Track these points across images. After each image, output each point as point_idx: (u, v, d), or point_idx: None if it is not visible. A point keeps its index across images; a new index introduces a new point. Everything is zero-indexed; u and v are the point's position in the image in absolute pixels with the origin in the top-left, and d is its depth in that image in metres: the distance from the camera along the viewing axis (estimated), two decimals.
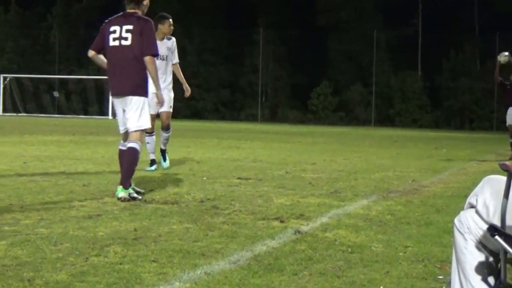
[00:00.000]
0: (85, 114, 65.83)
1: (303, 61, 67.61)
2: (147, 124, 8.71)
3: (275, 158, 16.28)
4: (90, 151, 16.68)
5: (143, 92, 8.58)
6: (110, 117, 59.64)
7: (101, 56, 8.94)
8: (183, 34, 60.58)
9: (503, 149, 17.75)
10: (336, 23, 69.39)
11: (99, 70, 69.33)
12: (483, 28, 64.69)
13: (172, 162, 12.96)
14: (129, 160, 8.40)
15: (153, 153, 12.08)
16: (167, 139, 12.43)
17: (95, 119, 56.47)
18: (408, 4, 66.65)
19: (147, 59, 8.44)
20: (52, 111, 67.38)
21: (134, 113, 8.51)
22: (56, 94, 70.14)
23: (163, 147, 12.40)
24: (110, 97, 8.41)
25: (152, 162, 12.04)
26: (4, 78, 64.27)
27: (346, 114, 67.69)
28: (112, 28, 8.45)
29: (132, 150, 8.42)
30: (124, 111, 8.59)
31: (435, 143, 28.70)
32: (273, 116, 69.72)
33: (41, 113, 64.34)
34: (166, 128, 12.35)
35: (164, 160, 12.31)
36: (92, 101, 68.30)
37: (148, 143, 11.70)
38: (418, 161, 16.88)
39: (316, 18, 69.76)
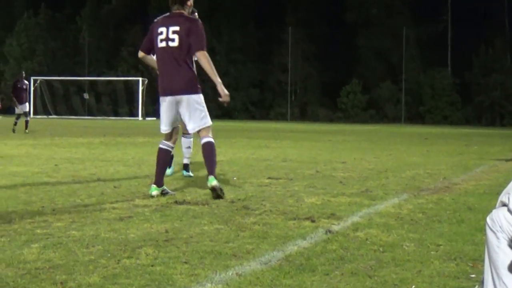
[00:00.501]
0: (115, 115, 66.24)
1: (332, 58, 67.68)
2: (210, 121, 8.87)
3: (305, 157, 16.28)
4: (120, 152, 16.76)
5: (198, 90, 8.67)
6: (140, 118, 59.92)
7: (151, 57, 9.03)
8: (212, 33, 60.85)
9: None
10: (366, 20, 69.39)
11: (128, 71, 70.03)
12: None
13: (202, 163, 12.98)
14: (211, 154, 8.75)
15: (188, 158, 11.36)
16: (188, 146, 11.40)
17: (125, 120, 56.72)
18: (437, 0, 66.24)
19: (199, 54, 8.52)
20: (82, 113, 67.85)
21: (194, 112, 8.64)
22: (86, 96, 70.62)
23: (186, 161, 11.46)
24: (160, 98, 8.30)
25: (185, 166, 11.35)
26: (35, 81, 64.64)
27: (376, 111, 67.62)
28: (159, 30, 8.49)
29: (209, 144, 8.71)
30: (178, 111, 8.68)
31: (466, 140, 28.57)
32: (303, 115, 69.77)
33: (71, 115, 64.85)
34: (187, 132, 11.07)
35: (187, 171, 11.43)
36: (122, 102, 68.70)
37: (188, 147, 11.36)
38: (449, 158, 16.80)
39: (345, 15, 69.86)
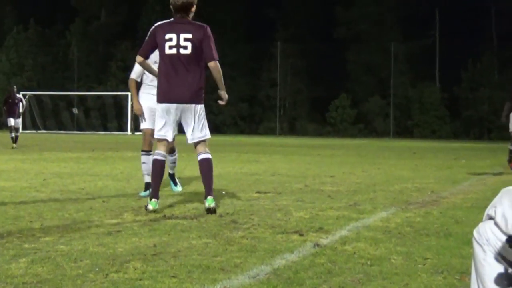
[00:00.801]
0: (104, 130, 66.21)
1: (322, 73, 67.96)
2: (209, 134, 8.83)
3: (294, 171, 16.30)
4: (109, 167, 16.74)
5: (203, 100, 8.64)
6: (129, 132, 59.88)
7: (149, 62, 8.99)
8: None
9: None
10: (355, 36, 69.74)
11: (117, 86, 70.04)
12: (501, 38, 64.60)
13: (191, 177, 12.98)
14: (210, 170, 8.63)
15: (149, 175, 9.94)
16: (173, 162, 11.16)
17: (114, 135, 56.72)
18: (425, 15, 66.58)
19: (212, 64, 8.49)
20: (71, 128, 67.85)
21: (199, 122, 8.61)
22: (75, 110, 70.60)
23: (171, 171, 11.16)
24: (159, 105, 8.09)
25: (147, 186, 10.27)
26: (24, 96, 64.59)
27: (364, 126, 67.86)
28: (167, 36, 8.34)
29: (208, 161, 8.64)
30: (179, 120, 8.60)
31: (454, 154, 28.66)
32: (292, 129, 69.90)
33: (60, 129, 64.78)
34: (170, 151, 10.65)
35: (175, 184, 11.18)
36: (111, 117, 68.66)
37: (143, 163, 10.47)
38: (437, 172, 16.84)
39: (335, 30, 70.01)
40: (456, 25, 64.85)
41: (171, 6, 8.44)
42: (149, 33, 8.61)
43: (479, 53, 64.25)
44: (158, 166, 8.57)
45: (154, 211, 8.22)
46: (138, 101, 10.22)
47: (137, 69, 10.26)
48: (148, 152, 10.45)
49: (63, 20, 79.34)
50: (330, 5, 69.96)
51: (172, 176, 11.15)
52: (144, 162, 10.50)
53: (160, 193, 8.85)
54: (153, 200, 8.35)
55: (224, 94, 8.85)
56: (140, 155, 10.72)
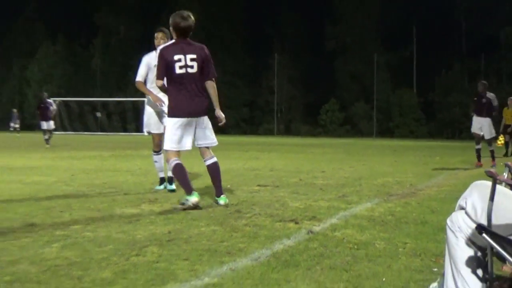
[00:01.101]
0: (124, 131, 66.00)
1: (313, 81, 68.06)
2: (216, 141, 8.74)
3: (289, 167, 16.28)
4: (128, 164, 16.73)
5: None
6: (145, 133, 59.68)
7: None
8: None
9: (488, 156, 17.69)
10: (342, 48, 69.63)
11: (135, 93, 69.95)
12: (469, 50, 64.65)
13: (200, 173, 12.95)
14: (219, 173, 8.53)
15: (162, 171, 10.45)
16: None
17: (132, 136, 56.56)
18: (404, 30, 66.59)
19: (212, 81, 8.45)
20: (95, 129, 67.64)
21: (210, 131, 8.58)
22: (98, 114, 70.46)
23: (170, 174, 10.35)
24: (179, 119, 7.80)
25: (162, 180, 10.45)
26: (54, 101, 64.48)
27: (351, 127, 67.83)
28: (176, 57, 8.15)
29: (216, 164, 8.58)
30: (194, 131, 8.41)
31: (429, 152, 28.62)
32: (288, 130, 69.82)
33: (85, 131, 64.59)
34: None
35: (171, 184, 10.34)
36: (130, 120, 68.50)
37: (156, 161, 10.55)
38: (414, 167, 16.82)
39: (325, 43, 69.94)
40: (431, 39, 64.93)
41: (172, 29, 8.28)
42: (158, 57, 8.32)
43: (450, 63, 64.27)
44: (181, 168, 8.25)
45: (198, 202, 7.93)
46: (154, 94, 9.97)
47: (142, 72, 10.14)
48: (158, 152, 10.42)
49: (87, 35, 79.27)
50: (320, 22, 69.92)
51: (171, 178, 10.37)
52: (156, 161, 10.53)
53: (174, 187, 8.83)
54: (194, 192, 8.01)
55: (220, 113, 8.73)
56: (152, 155, 10.72)
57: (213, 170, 8.54)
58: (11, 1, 78.44)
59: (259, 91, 72.97)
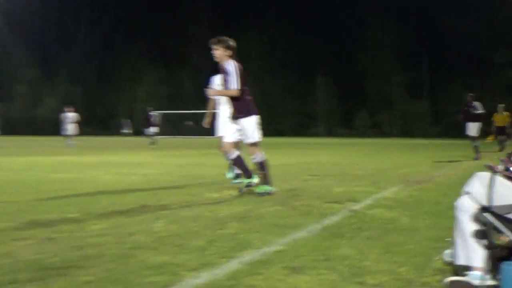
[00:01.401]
0: (206, 135, 66.42)
1: (348, 95, 67.66)
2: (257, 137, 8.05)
3: (332, 161, 16.21)
4: (213, 159, 16.88)
5: None
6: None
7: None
8: (269, 77, 61.60)
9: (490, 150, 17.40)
10: (370, 69, 68.96)
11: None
12: (469, 68, 63.32)
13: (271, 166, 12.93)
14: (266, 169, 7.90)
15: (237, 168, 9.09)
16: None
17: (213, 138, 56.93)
18: (416, 54, 65.76)
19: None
20: (187, 134, 68.42)
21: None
22: (189, 123, 71.00)
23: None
24: (255, 117, 7.95)
25: (236, 175, 9.31)
26: (156, 113, 65.70)
27: (377, 130, 66.97)
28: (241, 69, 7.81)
29: (265, 161, 7.96)
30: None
31: (438, 148, 28.10)
32: (329, 133, 69.30)
33: (179, 135, 65.30)
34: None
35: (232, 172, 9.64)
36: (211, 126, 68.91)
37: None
38: (427, 160, 16.55)
39: (357, 66, 69.31)
40: (438, 60, 63.97)
41: (231, 50, 7.80)
42: (236, 69, 7.69)
43: (454, 79, 63.04)
44: (241, 158, 8.16)
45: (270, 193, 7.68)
46: None
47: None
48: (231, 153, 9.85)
49: (177, 61, 79.77)
50: (352, 49, 69.13)
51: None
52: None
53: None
54: (253, 176, 7.84)
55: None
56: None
57: (260, 166, 7.95)
58: (120, 38, 79.12)
59: (308, 103, 72.60)
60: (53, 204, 6.75)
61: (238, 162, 8.19)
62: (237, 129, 8.03)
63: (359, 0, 68.53)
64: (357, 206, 6.59)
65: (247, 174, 8.03)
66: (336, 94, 70.94)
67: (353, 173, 11.71)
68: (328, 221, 5.60)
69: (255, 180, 7.90)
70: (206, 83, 9.59)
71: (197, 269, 3.78)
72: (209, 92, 8.37)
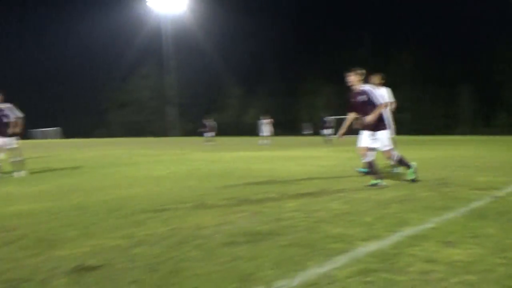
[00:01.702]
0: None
1: (489, 102, 61.47)
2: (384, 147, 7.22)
3: (475, 155, 14.85)
4: (377, 155, 16.28)
5: None
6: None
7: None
8: (419, 86, 58.30)
9: None
10: (506, 79, 62.05)
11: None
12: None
13: (418, 160, 12.27)
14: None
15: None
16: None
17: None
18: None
19: None
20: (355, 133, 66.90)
21: None
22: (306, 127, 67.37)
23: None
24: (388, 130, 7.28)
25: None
26: (329, 119, 65.36)
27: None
28: None
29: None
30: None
31: None
32: (471, 132, 63.55)
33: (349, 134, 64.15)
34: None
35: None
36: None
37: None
38: None
39: (492, 76, 62.72)
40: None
41: (363, 76, 7.31)
42: (373, 90, 7.11)
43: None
44: (375, 161, 7.30)
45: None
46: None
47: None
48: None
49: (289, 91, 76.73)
50: (487, 62, 62.56)
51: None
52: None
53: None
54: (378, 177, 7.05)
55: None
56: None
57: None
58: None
59: (451, 107, 67.11)
60: (259, 188, 7.09)
61: (371, 164, 7.19)
62: (374, 139, 7.18)
63: (490, 29, 62.11)
64: (499, 193, 6.04)
65: (377, 175, 7.05)
66: (476, 99, 65.07)
67: (494, 165, 10.66)
68: (474, 205, 5.22)
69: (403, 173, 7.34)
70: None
71: (366, 239, 3.77)
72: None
